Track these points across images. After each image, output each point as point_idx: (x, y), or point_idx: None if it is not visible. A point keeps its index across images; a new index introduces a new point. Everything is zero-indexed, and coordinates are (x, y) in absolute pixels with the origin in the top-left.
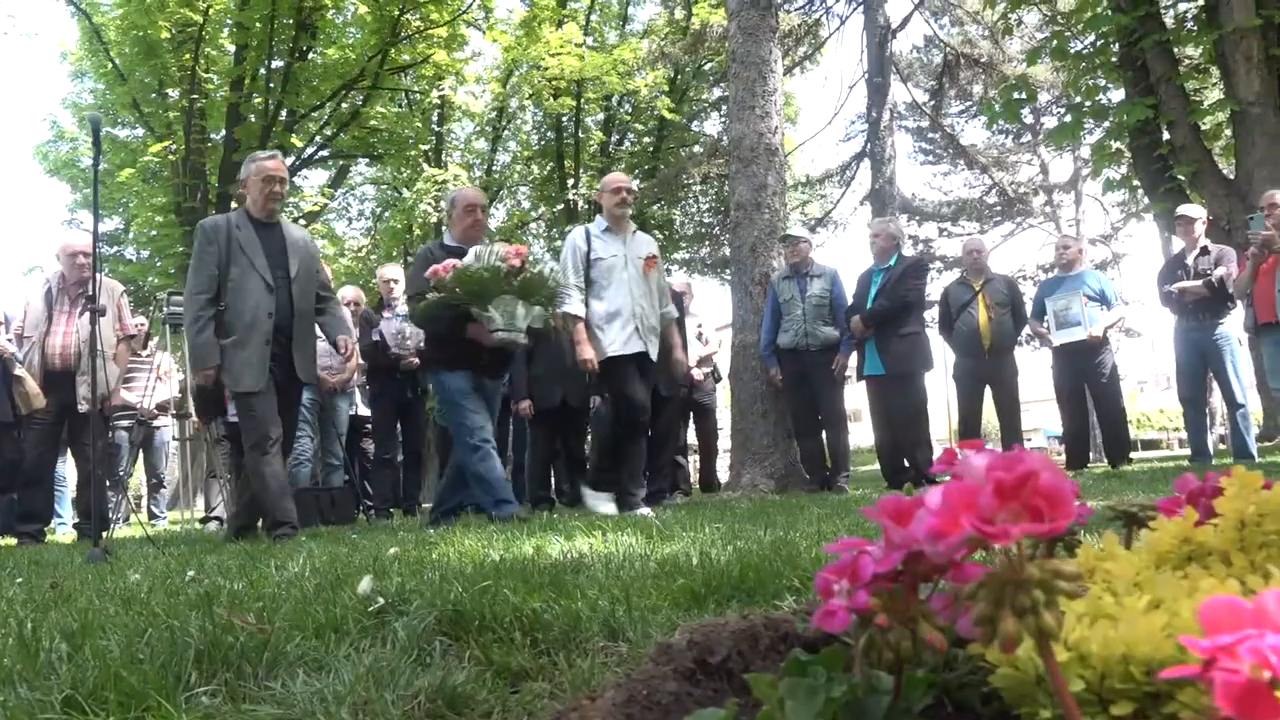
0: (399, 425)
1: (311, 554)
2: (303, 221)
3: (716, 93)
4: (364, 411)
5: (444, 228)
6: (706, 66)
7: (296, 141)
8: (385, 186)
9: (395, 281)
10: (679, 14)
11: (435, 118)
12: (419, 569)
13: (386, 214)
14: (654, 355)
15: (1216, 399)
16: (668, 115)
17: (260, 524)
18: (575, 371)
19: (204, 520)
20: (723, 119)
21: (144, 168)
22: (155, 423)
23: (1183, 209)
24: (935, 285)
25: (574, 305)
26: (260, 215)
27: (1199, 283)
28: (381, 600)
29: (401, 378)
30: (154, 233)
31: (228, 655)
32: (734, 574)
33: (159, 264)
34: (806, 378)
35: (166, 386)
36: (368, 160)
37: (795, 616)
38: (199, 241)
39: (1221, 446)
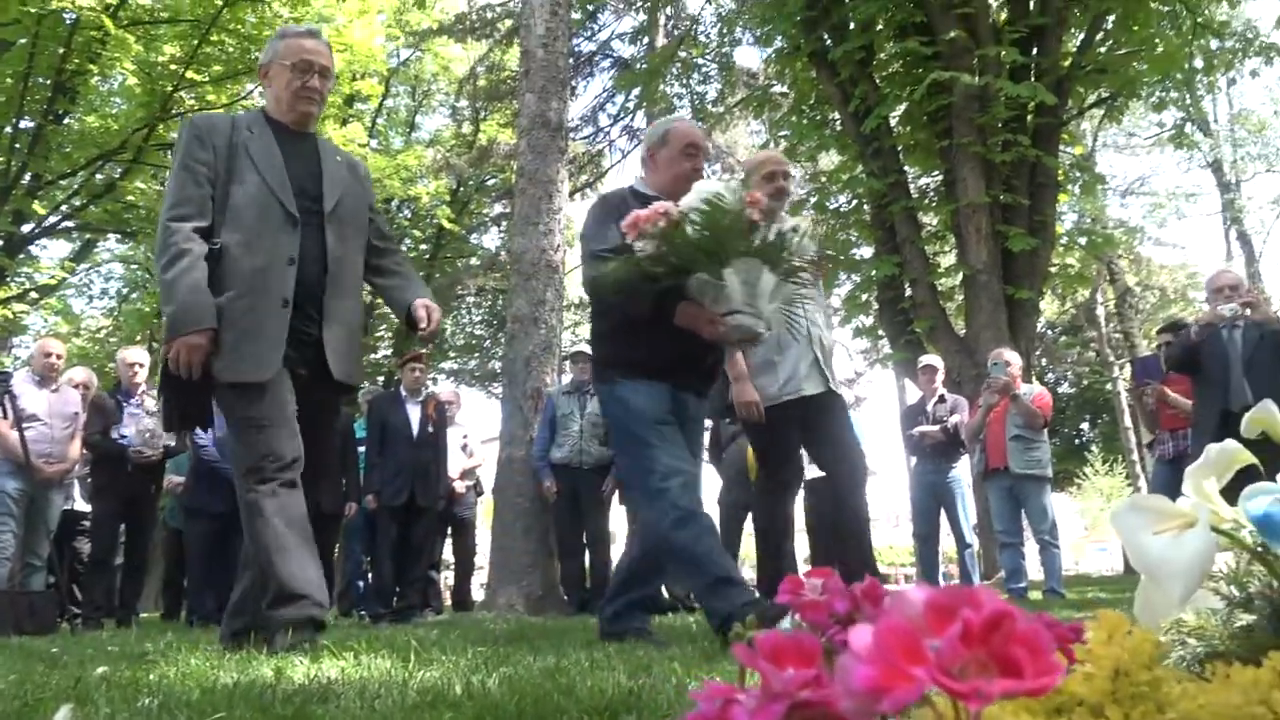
0: (122, 524)
1: None
2: (34, 295)
3: (498, 208)
4: (82, 506)
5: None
6: (490, 181)
7: (39, 208)
8: (136, 266)
9: (140, 366)
10: (466, 128)
11: None
12: (133, 694)
13: (134, 295)
14: (836, 387)
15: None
16: (447, 225)
17: (268, 614)
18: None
19: None
20: (502, 234)
21: None
22: None
23: (927, 359)
24: None
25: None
26: (287, 119)
27: (937, 428)
28: None
29: (134, 470)
30: None
31: None
32: (509, 707)
33: None
34: (576, 495)
35: None
36: (119, 237)
37: None
38: (184, 144)
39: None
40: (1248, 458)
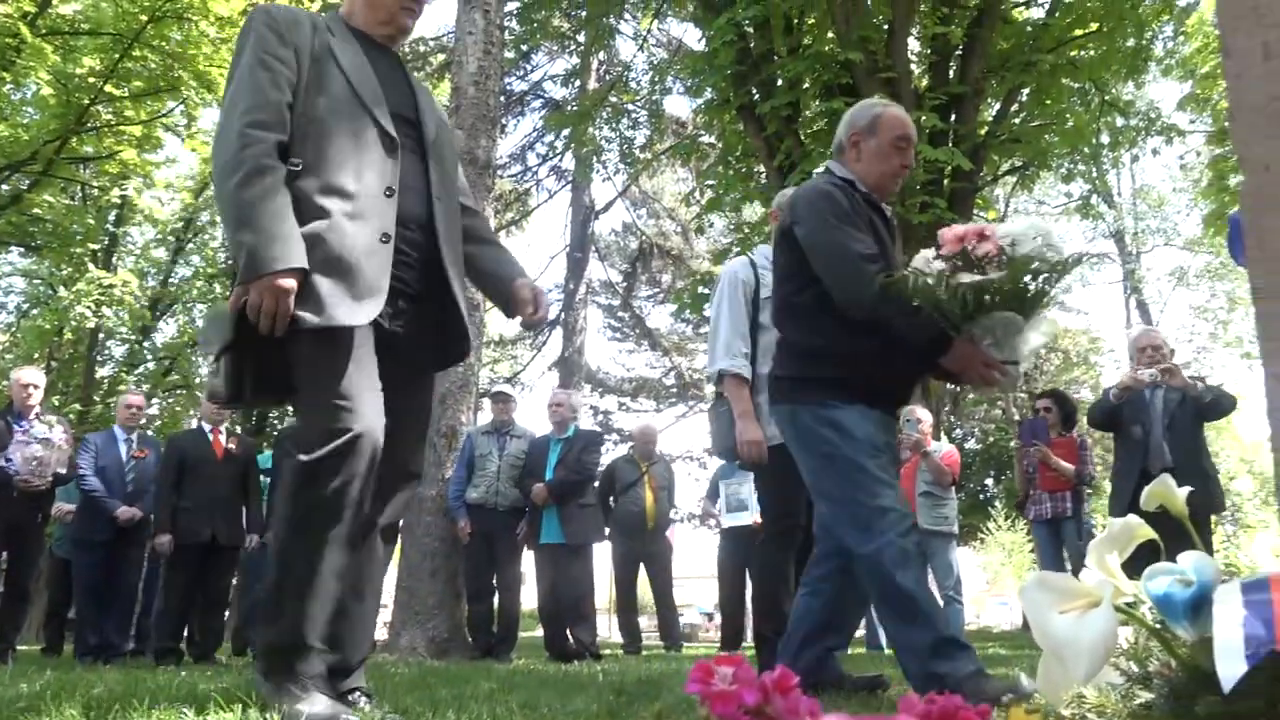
0: (4, 553)
1: None
2: None
3: None
4: None
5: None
6: None
7: None
8: (39, 281)
9: (35, 387)
10: None
11: (112, 217)
12: None
13: (35, 311)
14: None
15: None
16: None
17: (266, 651)
18: (229, 504)
19: None
20: None
21: None
22: None
23: None
24: (606, 457)
25: (734, 360)
26: (378, 31)
27: None
28: None
29: (19, 497)
30: None
31: None
32: None
33: None
34: (490, 538)
35: None
36: (22, 250)
37: None
38: (257, 34)
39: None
40: (1148, 533)
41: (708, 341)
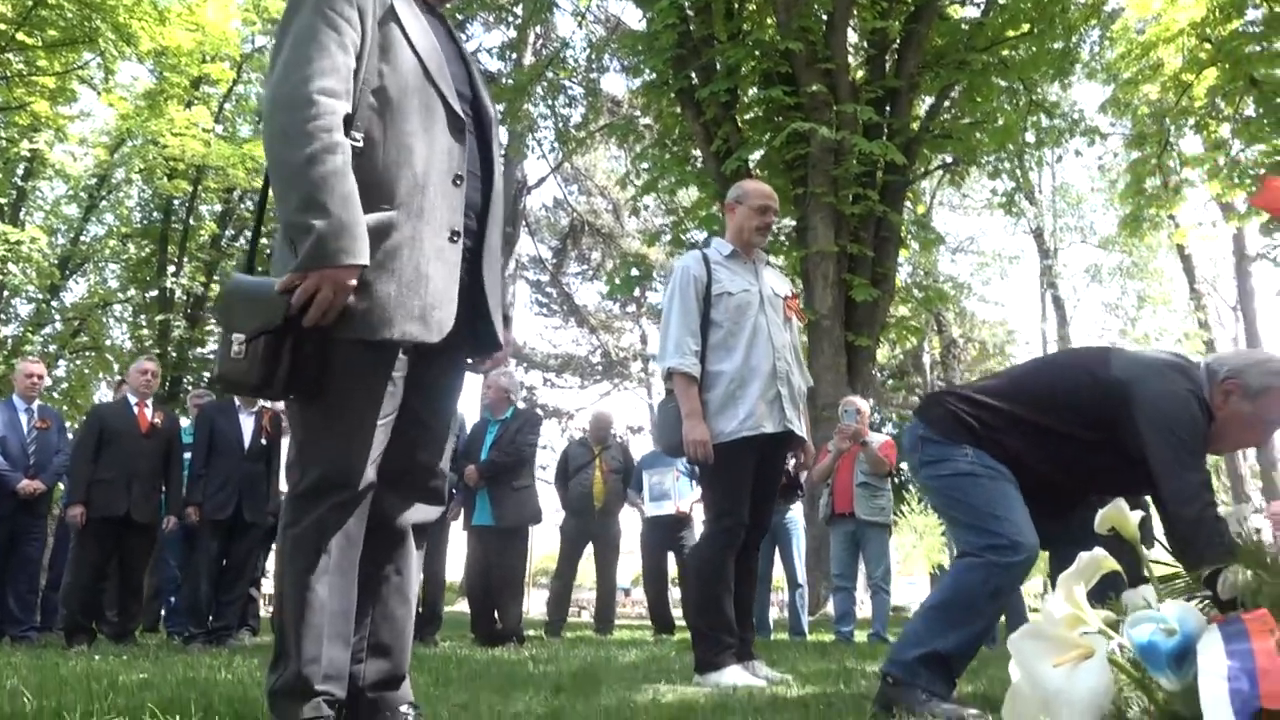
0: None
1: None
2: None
3: None
4: None
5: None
6: None
7: None
8: None
9: None
10: None
11: (21, 170)
12: None
13: None
14: (803, 432)
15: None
16: None
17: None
18: (148, 480)
19: None
20: None
21: None
22: None
23: None
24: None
25: (683, 359)
26: None
27: None
28: None
29: None
30: None
31: None
32: None
33: None
34: None
35: None
36: None
37: None
38: None
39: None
40: (1113, 565)
41: (659, 337)
